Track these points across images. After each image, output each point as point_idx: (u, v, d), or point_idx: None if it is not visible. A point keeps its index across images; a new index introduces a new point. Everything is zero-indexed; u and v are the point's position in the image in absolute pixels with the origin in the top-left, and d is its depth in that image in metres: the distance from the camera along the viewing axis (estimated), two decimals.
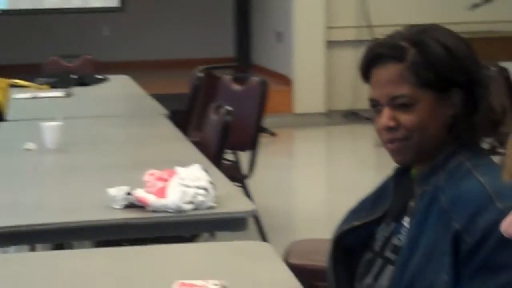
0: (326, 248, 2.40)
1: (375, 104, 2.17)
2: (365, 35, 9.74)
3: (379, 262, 2.23)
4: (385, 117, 2.12)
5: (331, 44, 9.96)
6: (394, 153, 2.16)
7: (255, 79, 6.01)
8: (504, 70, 6.23)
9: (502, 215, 1.87)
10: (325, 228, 6.27)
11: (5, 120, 5.58)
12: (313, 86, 10.02)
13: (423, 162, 2.16)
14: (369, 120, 9.59)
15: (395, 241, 2.20)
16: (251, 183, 5.71)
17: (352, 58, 9.92)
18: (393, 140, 2.14)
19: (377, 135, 2.19)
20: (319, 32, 9.97)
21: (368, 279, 2.24)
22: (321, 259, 2.57)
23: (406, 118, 2.11)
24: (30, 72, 7.50)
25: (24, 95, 6.52)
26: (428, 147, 2.14)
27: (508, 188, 1.97)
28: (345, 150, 9.39)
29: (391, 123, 2.12)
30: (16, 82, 6.96)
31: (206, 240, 3.84)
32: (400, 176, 2.28)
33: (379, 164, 8.66)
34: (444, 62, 2.12)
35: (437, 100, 2.12)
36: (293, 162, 8.93)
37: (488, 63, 6.46)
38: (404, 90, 2.11)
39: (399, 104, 2.12)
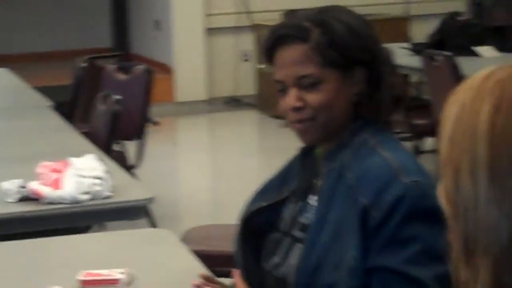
0: (222, 233, 2.42)
1: (281, 85, 2.17)
2: (244, 21, 9.82)
3: (287, 241, 2.24)
4: (292, 97, 2.13)
5: (210, 31, 9.95)
6: (301, 133, 2.18)
7: (139, 68, 6.00)
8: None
9: (407, 189, 2.01)
10: (212, 214, 6.28)
11: None
12: (193, 74, 9.99)
13: (329, 140, 2.18)
14: (250, 105, 9.73)
15: (302, 219, 2.21)
16: (141, 172, 5.68)
17: (232, 45, 10.01)
18: (301, 120, 2.16)
19: (284, 116, 2.20)
20: (198, 20, 9.94)
21: (276, 259, 2.24)
22: (218, 244, 2.60)
23: (312, 97, 2.13)
24: None
25: None
26: (334, 125, 2.16)
27: (412, 163, 2.11)
28: (228, 137, 9.41)
29: (298, 104, 2.13)
30: None
31: (97, 231, 3.84)
32: (305, 155, 2.29)
33: (262, 149, 8.75)
34: (348, 42, 2.13)
35: (341, 79, 2.14)
36: (177, 151, 8.92)
37: None
38: (310, 70, 2.12)
39: (305, 84, 2.13)
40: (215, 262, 2.69)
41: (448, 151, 1.19)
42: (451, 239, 1.21)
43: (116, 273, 2.33)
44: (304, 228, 2.18)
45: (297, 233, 2.21)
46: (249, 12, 9.85)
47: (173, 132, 9.50)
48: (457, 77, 5.53)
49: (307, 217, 2.19)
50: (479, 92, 1.18)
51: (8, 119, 5.20)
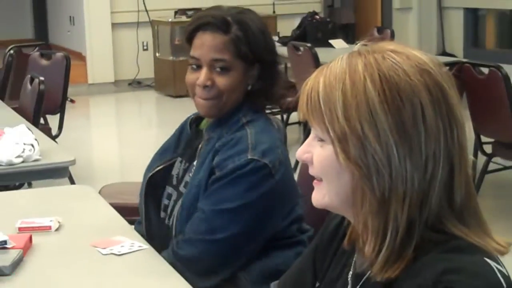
0: (130, 189, 2.43)
1: (195, 62, 2.19)
2: (142, 18, 9.78)
3: (175, 194, 2.29)
4: (203, 76, 2.16)
5: (115, 25, 9.87)
6: (203, 108, 2.21)
7: (59, 54, 5.96)
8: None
9: (247, 163, 2.08)
10: (120, 174, 6.21)
11: None
12: (103, 61, 9.92)
13: (219, 116, 2.22)
14: (149, 86, 9.68)
15: (187, 178, 2.25)
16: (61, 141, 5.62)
17: (133, 37, 9.95)
18: (207, 98, 2.17)
19: (188, 88, 2.23)
20: (105, 16, 9.84)
21: (169, 208, 2.29)
22: (127, 197, 2.57)
23: (220, 80, 2.16)
24: None
25: None
26: (229, 106, 2.19)
27: (265, 145, 2.13)
28: (131, 113, 9.40)
29: (208, 83, 2.15)
30: None
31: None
32: (194, 124, 2.33)
33: (159, 122, 8.72)
34: (259, 42, 2.18)
35: (245, 70, 2.19)
36: (90, 123, 8.83)
37: None
38: (225, 56, 2.15)
39: (217, 67, 2.16)
40: (125, 213, 2.69)
41: (345, 125, 1.19)
42: (362, 196, 1.21)
43: (47, 221, 2.32)
44: (186, 185, 2.23)
45: (182, 189, 2.26)
46: (147, 11, 9.79)
47: (87, 108, 9.37)
48: (316, 64, 5.62)
49: (190, 175, 2.24)
50: (352, 76, 1.21)
51: None
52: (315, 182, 1.30)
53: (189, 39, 2.21)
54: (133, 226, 2.38)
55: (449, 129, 1.21)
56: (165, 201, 2.32)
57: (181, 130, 2.38)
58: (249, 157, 2.08)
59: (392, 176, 1.18)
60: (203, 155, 2.20)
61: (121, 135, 8.55)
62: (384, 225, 1.20)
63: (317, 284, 1.47)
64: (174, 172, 2.33)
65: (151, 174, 2.35)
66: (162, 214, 2.31)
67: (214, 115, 2.21)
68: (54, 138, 5.46)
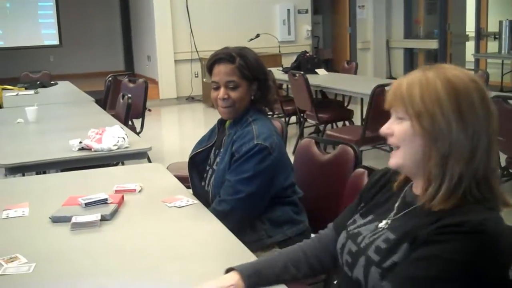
0: (185, 166, 2.44)
1: (216, 85, 2.20)
2: (194, 56, 9.77)
3: (211, 171, 2.30)
4: (222, 92, 2.19)
5: (177, 61, 9.87)
6: (224, 114, 2.24)
7: (141, 80, 5.93)
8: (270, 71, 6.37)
9: (255, 146, 2.09)
10: (179, 157, 6.25)
11: (2, 107, 5.29)
12: (169, 84, 9.92)
13: (234, 118, 2.23)
14: (199, 101, 9.65)
15: (217, 160, 2.27)
16: (142, 135, 5.62)
17: (188, 68, 9.93)
18: (225, 106, 2.19)
19: (213, 101, 2.25)
20: (170, 55, 9.84)
21: (207, 180, 2.31)
22: (185, 171, 2.60)
23: (233, 94, 2.18)
24: (14, 81, 7.11)
25: (11, 93, 6.17)
26: (240, 111, 2.21)
27: (266, 135, 2.14)
28: (188, 118, 9.38)
29: (225, 96, 2.18)
30: (5, 87, 6.58)
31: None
32: (221, 124, 2.34)
33: (206, 123, 8.71)
34: (255, 67, 2.20)
35: (248, 86, 2.20)
36: (161, 125, 8.82)
37: None
38: (233, 78, 2.17)
39: (230, 86, 2.18)
40: (183, 181, 2.70)
41: (421, 106, 1.23)
42: (430, 153, 1.23)
43: (133, 186, 2.35)
44: (217, 164, 2.26)
45: (215, 167, 2.27)
46: (197, 51, 9.79)
47: (159, 115, 9.35)
48: (307, 85, 5.60)
49: (219, 158, 2.26)
50: (427, 79, 1.25)
51: (71, 108, 5.09)
52: (392, 152, 1.31)
53: (210, 70, 2.23)
54: (189, 190, 2.39)
55: (488, 117, 1.24)
56: (204, 175, 2.34)
57: (213, 128, 2.40)
58: (255, 142, 2.10)
59: (451, 141, 1.21)
60: (226, 145, 2.22)
61: (181, 132, 8.55)
62: (443, 174, 1.22)
63: (362, 204, 1.48)
64: (211, 156, 2.34)
65: (191, 155, 2.38)
66: (202, 184, 2.33)
67: (231, 117, 2.24)
68: (138, 133, 5.48)
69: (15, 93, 6.12)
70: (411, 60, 10.56)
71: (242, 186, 2.10)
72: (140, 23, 11.32)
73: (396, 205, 1.35)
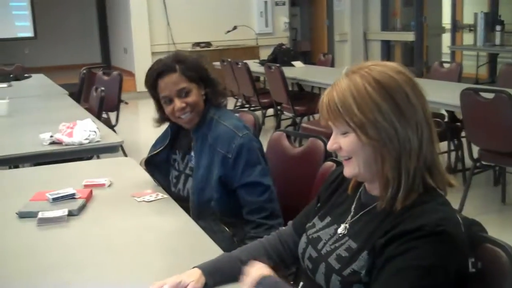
0: None
1: (167, 98, 2.13)
2: (171, 48, 9.70)
3: (183, 176, 2.23)
4: (178, 103, 2.11)
5: (153, 54, 9.78)
6: (187, 123, 2.16)
7: (115, 73, 5.87)
8: (245, 64, 6.36)
9: (243, 139, 2.05)
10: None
11: None
12: (144, 77, 9.83)
13: (197, 123, 2.17)
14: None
15: (190, 164, 2.21)
16: (117, 129, 5.58)
17: None
18: (185, 115, 2.13)
19: (170, 116, 2.17)
20: (147, 47, 9.77)
21: (180, 186, 2.24)
22: None
23: (188, 100, 2.12)
24: None
25: None
26: (200, 112, 2.15)
27: (240, 124, 2.13)
28: None
29: (183, 105, 2.11)
30: None
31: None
32: (177, 127, 2.27)
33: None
34: (195, 66, 2.15)
35: (197, 87, 2.15)
36: (138, 118, 8.75)
37: (237, 61, 6.57)
38: (183, 85, 2.11)
39: (182, 94, 2.11)
40: None
41: (361, 117, 1.21)
42: (383, 159, 1.23)
43: (103, 180, 2.33)
44: (191, 169, 2.19)
45: (188, 172, 2.21)
46: (173, 43, 9.73)
47: (136, 108, 9.28)
48: (283, 77, 5.60)
49: (192, 163, 2.20)
50: (355, 86, 1.24)
51: (44, 101, 5.03)
52: (344, 161, 1.29)
53: (153, 87, 2.15)
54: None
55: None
56: (173, 180, 2.27)
57: (166, 131, 2.33)
58: (240, 135, 2.06)
59: (399, 140, 1.21)
60: (198, 150, 2.15)
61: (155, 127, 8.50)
62: (399, 174, 1.22)
63: (318, 205, 1.47)
64: (178, 160, 2.27)
65: (147, 158, 2.32)
66: (176, 189, 2.25)
67: (194, 123, 2.16)
68: (113, 127, 5.45)
69: None
70: (388, 52, 10.62)
71: (264, 177, 2.07)
72: (116, 15, 11.22)
73: (353, 206, 1.35)
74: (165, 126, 2.34)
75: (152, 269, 1.55)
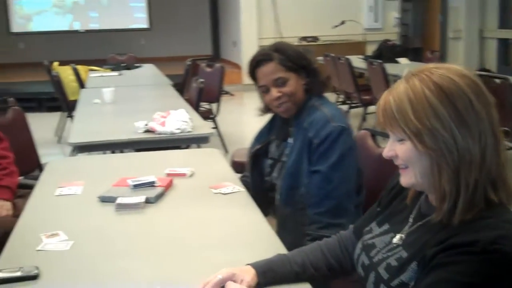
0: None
1: (264, 88, 2.14)
2: None
3: (279, 164, 2.21)
4: (274, 92, 2.11)
5: (260, 47, 9.82)
6: (284, 112, 2.15)
7: (218, 65, 6.00)
8: (347, 59, 6.26)
9: (333, 129, 2.00)
10: (246, 143, 6.26)
11: (85, 88, 5.52)
12: None
13: (296, 112, 2.15)
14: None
15: (286, 151, 2.17)
16: (220, 119, 5.71)
17: None
18: (281, 103, 2.12)
19: (269, 105, 2.19)
20: (254, 40, 9.85)
21: (274, 174, 2.22)
22: (244, 158, 2.55)
23: (285, 89, 2.11)
24: (100, 62, 7.40)
25: (96, 74, 6.44)
26: (299, 102, 2.13)
27: (338, 115, 2.07)
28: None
29: (279, 94, 2.11)
30: (92, 68, 6.87)
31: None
32: (280, 117, 2.25)
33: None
34: (295, 56, 2.12)
35: (296, 77, 2.13)
36: (242, 109, 8.87)
37: (339, 56, 6.47)
38: (279, 74, 2.10)
39: (279, 83, 2.10)
40: (239, 167, 2.67)
41: (417, 124, 1.13)
42: (440, 170, 1.14)
43: (185, 169, 2.37)
44: (286, 155, 2.16)
45: (284, 158, 2.18)
46: (282, 37, 9.74)
47: (241, 99, 9.42)
48: (384, 74, 5.46)
49: (287, 150, 2.17)
50: (413, 90, 1.15)
51: (149, 90, 5.26)
52: (401, 170, 1.22)
53: (253, 76, 2.16)
54: (239, 175, 2.37)
55: (488, 111, 1.14)
56: (267, 169, 2.26)
57: (271, 122, 2.32)
58: (333, 125, 2.02)
59: (459, 151, 1.11)
60: (295, 134, 2.13)
61: (261, 117, 8.56)
62: (457, 187, 1.13)
63: (378, 209, 1.41)
64: (271, 149, 2.27)
65: (254, 151, 2.31)
66: (266, 178, 2.24)
67: (292, 113, 2.15)
68: (214, 118, 5.58)
69: (99, 74, 6.37)
70: (505, 52, 10.00)
71: (333, 172, 2.02)
72: (227, 8, 11.45)
73: (412, 216, 1.27)
74: (267, 117, 2.33)
75: (215, 262, 1.54)
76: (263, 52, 2.12)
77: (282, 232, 2.00)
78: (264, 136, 2.32)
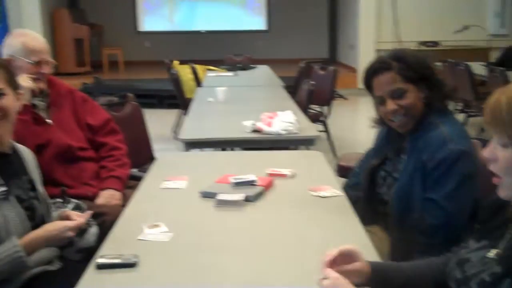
0: (355, 157, 2.33)
1: (380, 99, 1.99)
2: (396, 46, 9.45)
3: (390, 179, 2.07)
4: (390, 104, 1.96)
5: (378, 51, 9.65)
6: (400, 127, 2.01)
7: (331, 68, 5.94)
8: (466, 66, 5.99)
9: (450, 153, 1.85)
10: (361, 147, 6.17)
11: (202, 86, 5.69)
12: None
13: (412, 127, 2.01)
14: None
15: (399, 167, 2.03)
16: (331, 123, 5.69)
17: None
18: (397, 117, 1.98)
19: (384, 119, 2.04)
20: (372, 44, 9.70)
21: (384, 188, 2.09)
22: (350, 163, 2.51)
23: (403, 101, 1.95)
24: (218, 63, 7.61)
25: (213, 74, 6.63)
26: (416, 116, 1.98)
27: (459, 136, 1.90)
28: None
29: (395, 107, 1.95)
30: (210, 68, 7.08)
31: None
32: (393, 131, 2.10)
33: None
34: (417, 65, 1.96)
35: (415, 88, 1.96)
36: (356, 114, 8.73)
37: (458, 62, 6.20)
38: (397, 85, 1.95)
39: (396, 95, 1.95)
40: (343, 171, 2.62)
41: None
42: None
43: (285, 171, 2.37)
44: (399, 171, 2.02)
45: (395, 174, 2.04)
46: (400, 41, 9.51)
47: (356, 104, 9.27)
48: (505, 82, 5.15)
49: (400, 167, 2.03)
50: None
51: (261, 91, 5.34)
52: (495, 180, 1.14)
53: (369, 86, 2.01)
54: (340, 179, 2.34)
55: None
56: (380, 180, 2.12)
57: (388, 134, 2.14)
58: (451, 147, 1.85)
59: None
60: (409, 152, 1.98)
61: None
62: None
63: (477, 226, 1.31)
64: (387, 162, 2.12)
65: (370, 167, 2.15)
66: (380, 190, 2.10)
67: (409, 128, 1.99)
68: (324, 120, 5.54)
69: (216, 74, 6.55)
70: None
71: (449, 202, 1.87)
72: (345, 11, 11.35)
73: (510, 231, 1.18)
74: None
75: (309, 264, 1.53)
76: (381, 60, 1.98)
77: (394, 252, 1.91)
78: (381, 149, 2.18)
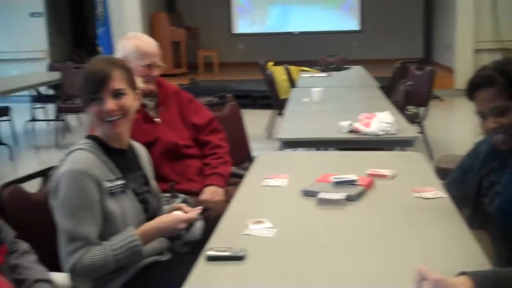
0: (453, 159, 2.26)
1: (481, 115, 1.86)
2: (497, 46, 9.11)
3: (492, 192, 1.96)
4: (490, 123, 1.83)
5: (476, 51, 9.33)
6: (499, 144, 1.87)
7: (428, 68, 5.79)
8: None
9: None
10: (459, 150, 5.97)
11: (296, 87, 5.73)
12: (465, 74, 9.37)
13: None
14: None
15: (503, 180, 1.91)
16: (427, 124, 5.58)
17: (488, 59, 9.25)
18: (497, 135, 1.85)
19: (486, 134, 1.93)
20: (470, 44, 9.37)
21: (487, 199, 1.98)
22: (448, 165, 2.45)
23: (504, 120, 1.81)
24: (311, 63, 7.63)
25: (307, 75, 6.65)
26: None
27: None
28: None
29: (495, 125, 1.82)
30: (303, 68, 7.11)
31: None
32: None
33: None
34: None
35: None
36: (452, 115, 8.47)
37: None
38: (499, 102, 1.79)
39: (498, 112, 1.81)
40: (442, 174, 2.56)
41: None
42: None
43: (386, 171, 2.36)
44: (503, 187, 1.90)
45: (498, 188, 1.92)
46: (500, 41, 9.12)
47: (451, 105, 8.99)
48: None
49: (503, 180, 1.91)
50: None
51: (356, 92, 5.31)
52: None
53: (471, 97, 1.86)
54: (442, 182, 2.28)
55: None
56: (484, 190, 2.01)
57: (493, 146, 1.98)
58: None
59: None
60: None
61: (472, 125, 8.10)
62: None
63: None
64: (492, 173, 2.00)
65: (479, 180, 2.02)
66: (483, 199, 2.00)
67: (510, 145, 1.87)
68: (420, 122, 5.42)
69: (309, 75, 6.58)
70: None
71: None
72: (442, 10, 11.01)
73: None
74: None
75: (411, 265, 1.52)
76: (484, 73, 1.82)
77: (499, 260, 1.83)
78: (488, 159, 2.05)
